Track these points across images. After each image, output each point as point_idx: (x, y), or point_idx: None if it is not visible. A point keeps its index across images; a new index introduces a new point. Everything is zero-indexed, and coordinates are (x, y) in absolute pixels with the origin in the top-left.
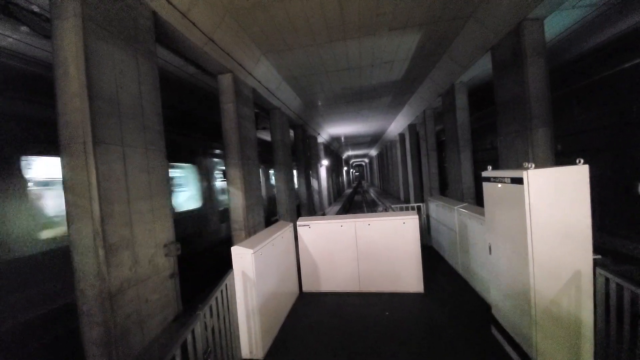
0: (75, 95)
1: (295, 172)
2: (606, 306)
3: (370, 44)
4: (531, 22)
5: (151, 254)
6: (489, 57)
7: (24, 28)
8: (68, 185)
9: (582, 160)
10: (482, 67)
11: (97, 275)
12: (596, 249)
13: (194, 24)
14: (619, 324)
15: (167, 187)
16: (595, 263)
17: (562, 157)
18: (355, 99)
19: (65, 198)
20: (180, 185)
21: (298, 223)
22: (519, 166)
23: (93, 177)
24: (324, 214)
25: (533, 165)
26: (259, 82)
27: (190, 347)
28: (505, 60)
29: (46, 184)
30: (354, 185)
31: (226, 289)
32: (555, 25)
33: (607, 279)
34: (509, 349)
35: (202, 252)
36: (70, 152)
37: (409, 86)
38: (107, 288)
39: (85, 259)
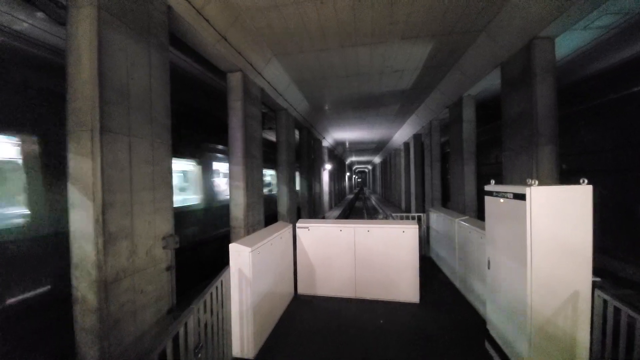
0: (86, 83)
1: (297, 173)
2: (603, 329)
3: (381, 52)
4: (542, 40)
5: (149, 246)
6: (498, 72)
7: (39, 14)
8: (72, 171)
9: (586, 181)
10: (491, 81)
11: (94, 263)
12: (596, 271)
13: (207, 20)
14: (614, 347)
15: (170, 180)
16: (594, 285)
17: (566, 176)
18: (362, 105)
19: (68, 184)
20: None
21: (297, 225)
22: (523, 182)
23: (98, 165)
24: (323, 218)
25: (537, 182)
26: (268, 82)
27: (182, 341)
28: (515, 76)
29: None
30: (356, 191)
31: (221, 285)
32: (566, 45)
33: (605, 302)
34: None
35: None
36: (77, 139)
37: (417, 96)
38: (104, 276)
39: (84, 246)
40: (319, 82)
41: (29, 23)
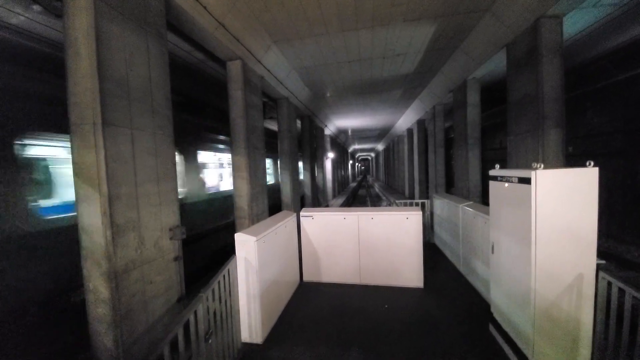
0: (85, 76)
1: (300, 162)
2: (607, 311)
3: (383, 35)
4: (549, 19)
5: (157, 237)
6: (504, 54)
7: (36, 7)
8: (77, 165)
9: (592, 163)
10: (496, 63)
11: (104, 255)
12: (601, 254)
13: (205, 7)
14: (618, 328)
15: (174, 171)
16: (599, 268)
17: (571, 159)
18: (364, 91)
19: (74, 178)
20: None
21: (301, 213)
22: (528, 166)
23: (102, 158)
24: (327, 206)
25: (542, 166)
26: (268, 70)
27: (192, 328)
28: (521, 57)
29: None
30: (359, 179)
31: (228, 274)
32: (574, 23)
33: (609, 283)
34: (506, 348)
35: None
36: (80, 133)
37: (420, 80)
38: (114, 267)
39: (93, 238)
40: (320, 68)
41: (26, 16)
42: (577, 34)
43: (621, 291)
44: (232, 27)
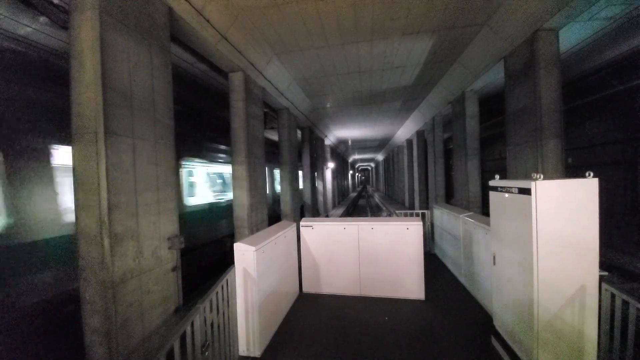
0: (89, 86)
1: (300, 172)
2: (611, 323)
3: (382, 48)
4: (546, 32)
5: (155, 246)
6: (501, 66)
7: (43, 19)
8: (77, 173)
9: (591, 174)
10: (494, 75)
11: (101, 264)
12: (603, 266)
13: (208, 21)
14: (623, 341)
15: (174, 180)
16: (602, 279)
17: (571, 170)
18: (364, 103)
19: (74, 186)
20: None
21: (301, 223)
22: (528, 177)
23: (102, 167)
24: (327, 216)
25: (542, 176)
26: (270, 81)
27: (189, 340)
28: (518, 70)
29: None
30: (359, 189)
31: (227, 284)
32: (571, 36)
33: (612, 295)
34: None
35: None
36: (82, 142)
37: (419, 92)
38: (111, 277)
39: (91, 247)
40: (321, 80)
41: (33, 28)
42: (575, 46)
43: (625, 303)
44: (234, 39)
